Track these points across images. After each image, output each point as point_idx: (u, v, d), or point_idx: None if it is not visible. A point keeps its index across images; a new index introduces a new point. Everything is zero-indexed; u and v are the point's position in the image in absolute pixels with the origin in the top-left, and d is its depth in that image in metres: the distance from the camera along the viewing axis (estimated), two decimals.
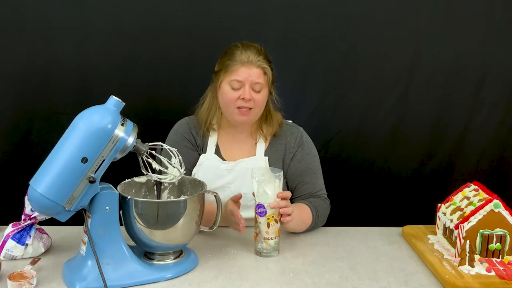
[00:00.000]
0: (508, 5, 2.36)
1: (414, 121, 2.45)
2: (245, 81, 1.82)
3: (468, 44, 2.38)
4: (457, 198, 1.80)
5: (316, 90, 2.41)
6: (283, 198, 1.70)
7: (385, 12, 2.35)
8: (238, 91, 1.83)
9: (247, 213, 1.81)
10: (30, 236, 1.68)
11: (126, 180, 1.67)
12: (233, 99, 1.83)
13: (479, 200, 1.68)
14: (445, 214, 1.78)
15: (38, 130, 2.31)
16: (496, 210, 1.62)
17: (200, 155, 1.95)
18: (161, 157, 1.64)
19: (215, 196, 1.68)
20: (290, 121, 2.04)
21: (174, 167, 1.62)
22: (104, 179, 1.52)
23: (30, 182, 1.44)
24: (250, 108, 1.84)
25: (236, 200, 1.78)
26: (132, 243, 1.62)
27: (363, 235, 1.91)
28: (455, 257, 1.63)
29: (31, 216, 1.68)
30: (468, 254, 1.60)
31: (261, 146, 1.95)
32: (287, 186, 1.96)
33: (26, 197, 1.61)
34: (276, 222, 1.69)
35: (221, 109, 1.92)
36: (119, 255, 1.54)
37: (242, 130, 1.96)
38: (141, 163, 1.57)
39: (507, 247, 1.64)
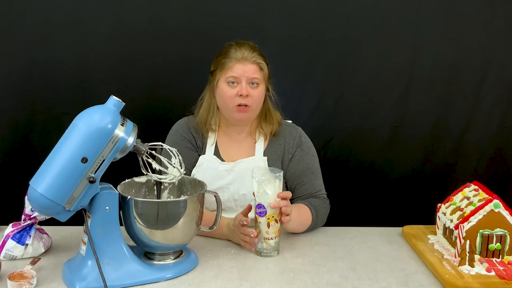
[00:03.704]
0: (508, 5, 2.36)
1: (414, 121, 2.45)
2: (241, 77, 1.82)
3: (468, 44, 2.38)
4: (457, 198, 1.80)
5: (316, 90, 2.41)
6: (284, 198, 1.70)
7: (385, 12, 2.35)
8: (235, 88, 1.83)
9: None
10: (30, 236, 1.68)
11: (126, 180, 1.67)
12: (231, 97, 1.83)
13: (479, 200, 1.68)
14: (445, 214, 1.78)
15: (38, 130, 2.31)
16: (496, 210, 1.62)
17: (199, 155, 1.95)
18: (161, 157, 1.64)
19: (215, 196, 1.68)
20: (290, 121, 2.04)
21: (174, 167, 1.62)
22: (104, 179, 1.52)
23: (30, 182, 1.44)
24: (248, 106, 1.84)
25: (246, 213, 1.75)
26: (132, 243, 1.62)
27: (363, 235, 1.91)
28: (455, 257, 1.63)
29: (31, 216, 1.68)
30: (468, 254, 1.60)
31: (260, 146, 1.95)
32: (286, 186, 1.96)
33: (26, 197, 1.61)
34: (276, 222, 1.69)
35: (219, 109, 1.92)
36: (119, 255, 1.54)
37: (241, 130, 1.96)
38: (141, 163, 1.57)
39: (507, 247, 1.64)
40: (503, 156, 2.50)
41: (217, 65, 1.88)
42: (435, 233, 1.85)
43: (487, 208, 1.62)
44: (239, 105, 1.84)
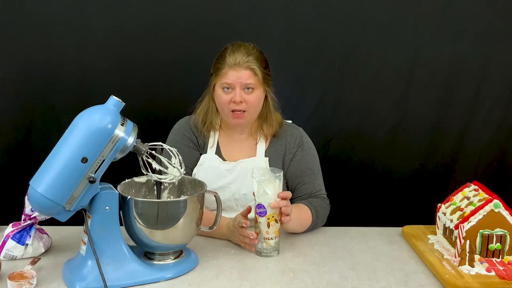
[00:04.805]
0: (507, 5, 2.36)
1: (414, 121, 2.45)
2: (235, 83, 1.81)
3: (468, 44, 2.38)
4: (457, 198, 1.80)
5: (316, 90, 2.41)
6: (284, 198, 1.70)
7: (385, 12, 2.35)
8: (230, 94, 1.83)
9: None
10: (30, 236, 1.68)
11: (126, 180, 1.67)
12: (225, 102, 1.83)
13: (479, 200, 1.68)
14: (445, 214, 1.78)
15: (38, 130, 2.31)
16: (496, 210, 1.62)
17: (201, 154, 1.95)
18: (161, 157, 1.64)
19: (215, 196, 1.68)
20: (290, 121, 2.04)
21: (174, 167, 1.62)
22: (104, 179, 1.52)
23: (30, 182, 1.44)
24: (244, 111, 1.84)
25: (245, 214, 1.76)
26: (132, 243, 1.62)
27: (363, 235, 1.91)
28: (455, 257, 1.63)
29: (31, 216, 1.68)
30: (468, 254, 1.60)
31: (261, 147, 1.95)
32: (287, 186, 1.96)
33: (26, 197, 1.61)
34: (276, 222, 1.69)
35: (218, 111, 1.93)
36: (119, 255, 1.54)
37: (242, 130, 1.96)
38: (141, 163, 1.57)
39: (507, 247, 1.64)
40: (503, 156, 2.50)
41: (214, 69, 1.87)
42: (435, 233, 1.85)
43: (487, 208, 1.62)
44: (234, 111, 1.84)
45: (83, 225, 1.52)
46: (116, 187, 1.58)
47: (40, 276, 1.54)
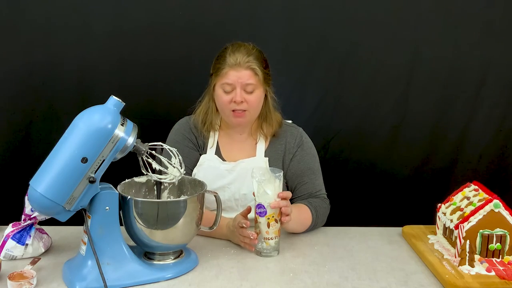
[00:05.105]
0: (507, 5, 2.36)
1: (414, 121, 2.45)
2: (235, 83, 1.81)
3: (468, 44, 2.38)
4: (457, 198, 1.80)
5: (316, 90, 2.41)
6: (283, 198, 1.70)
7: (385, 12, 2.35)
8: (230, 94, 1.83)
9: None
10: (30, 236, 1.68)
11: (126, 180, 1.67)
12: (226, 102, 1.83)
13: (479, 200, 1.68)
14: (445, 214, 1.78)
15: (38, 130, 2.31)
16: (496, 210, 1.62)
17: (201, 155, 1.95)
18: (161, 157, 1.64)
19: (215, 196, 1.68)
20: (290, 121, 2.04)
21: (174, 167, 1.62)
22: (104, 179, 1.52)
23: (30, 182, 1.44)
24: (245, 110, 1.84)
25: (245, 214, 1.76)
26: (132, 243, 1.62)
27: (363, 235, 1.91)
28: (455, 257, 1.63)
29: (31, 216, 1.68)
30: (468, 254, 1.60)
31: (261, 147, 1.95)
32: (287, 186, 1.96)
33: (26, 197, 1.61)
34: (276, 222, 1.69)
35: (218, 111, 1.93)
36: (119, 255, 1.54)
37: (241, 130, 1.96)
38: (141, 163, 1.57)
39: (507, 247, 1.64)
40: (503, 156, 2.50)
41: (214, 69, 1.87)
42: (435, 233, 1.85)
43: (487, 208, 1.62)
44: (234, 110, 1.84)
45: (83, 225, 1.52)
46: (116, 187, 1.58)
47: (40, 276, 1.54)
